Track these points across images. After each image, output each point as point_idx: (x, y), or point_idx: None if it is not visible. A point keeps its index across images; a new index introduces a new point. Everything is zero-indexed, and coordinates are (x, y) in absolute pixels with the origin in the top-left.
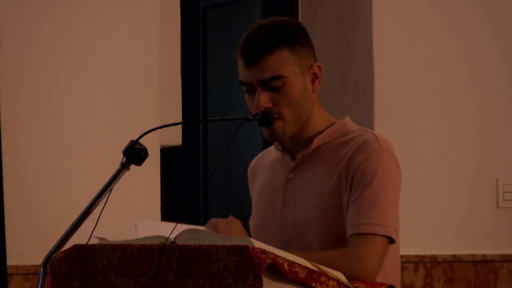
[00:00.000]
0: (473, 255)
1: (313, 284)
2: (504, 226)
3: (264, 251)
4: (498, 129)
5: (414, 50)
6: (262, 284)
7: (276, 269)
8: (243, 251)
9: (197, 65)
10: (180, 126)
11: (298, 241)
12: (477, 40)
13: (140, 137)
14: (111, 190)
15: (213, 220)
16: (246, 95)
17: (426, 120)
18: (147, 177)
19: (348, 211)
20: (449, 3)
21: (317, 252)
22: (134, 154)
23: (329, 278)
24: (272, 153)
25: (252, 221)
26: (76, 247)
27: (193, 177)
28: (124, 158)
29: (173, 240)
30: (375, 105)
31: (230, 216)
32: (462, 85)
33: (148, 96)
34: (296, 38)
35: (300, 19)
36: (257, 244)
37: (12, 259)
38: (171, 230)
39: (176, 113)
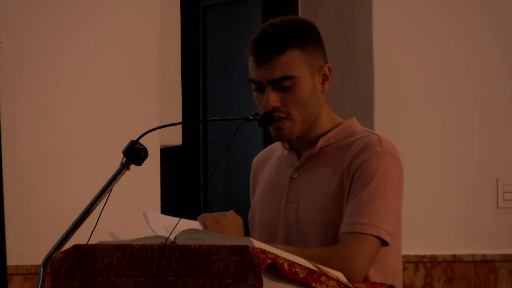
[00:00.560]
0: (473, 255)
1: (313, 284)
2: (504, 226)
3: (264, 251)
4: (498, 129)
5: (414, 50)
6: (262, 284)
7: (276, 269)
8: (243, 251)
9: (197, 65)
10: (180, 126)
11: (299, 241)
12: (477, 40)
13: (140, 137)
14: (111, 190)
15: (202, 215)
16: (255, 93)
17: (426, 120)
18: (147, 177)
19: (345, 210)
20: (449, 3)
21: (308, 249)
22: (134, 154)
23: (329, 278)
24: (278, 149)
25: (254, 216)
26: (76, 247)
27: (193, 177)
28: (124, 158)
29: (173, 240)
30: (375, 105)
31: (231, 211)
32: (462, 85)
33: (148, 96)
34: (308, 38)
35: None
36: (257, 244)
37: (12, 259)
38: (175, 224)
39: (176, 113)
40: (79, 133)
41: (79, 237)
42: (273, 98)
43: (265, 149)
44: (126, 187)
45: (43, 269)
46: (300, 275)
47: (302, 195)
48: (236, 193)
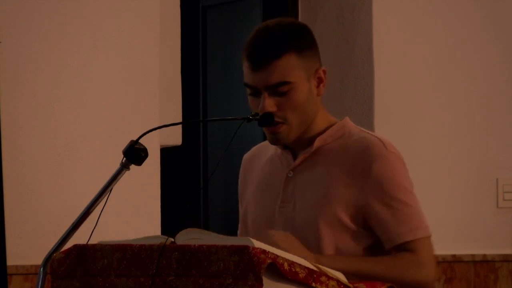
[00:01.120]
0: (473, 255)
1: (313, 284)
2: (504, 226)
3: (264, 251)
4: (498, 129)
5: (414, 50)
6: (262, 284)
7: (276, 269)
8: (243, 251)
9: (197, 65)
10: (180, 126)
11: None
12: (477, 40)
13: (140, 137)
14: (111, 190)
15: (273, 232)
16: (250, 97)
17: (426, 120)
18: (147, 177)
19: (380, 223)
20: (449, 3)
21: (371, 258)
22: (134, 154)
23: (329, 278)
24: (271, 147)
25: (247, 215)
26: (76, 247)
27: (193, 177)
28: (124, 158)
29: (173, 240)
30: (375, 105)
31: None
32: (462, 85)
33: (148, 96)
34: (304, 42)
35: (300, 19)
36: (257, 244)
37: (12, 259)
38: None
39: (176, 113)
40: (79, 133)
41: (79, 237)
42: (269, 103)
43: (256, 146)
44: (126, 187)
45: (43, 269)
46: (300, 275)
47: (299, 194)
48: (236, 193)
